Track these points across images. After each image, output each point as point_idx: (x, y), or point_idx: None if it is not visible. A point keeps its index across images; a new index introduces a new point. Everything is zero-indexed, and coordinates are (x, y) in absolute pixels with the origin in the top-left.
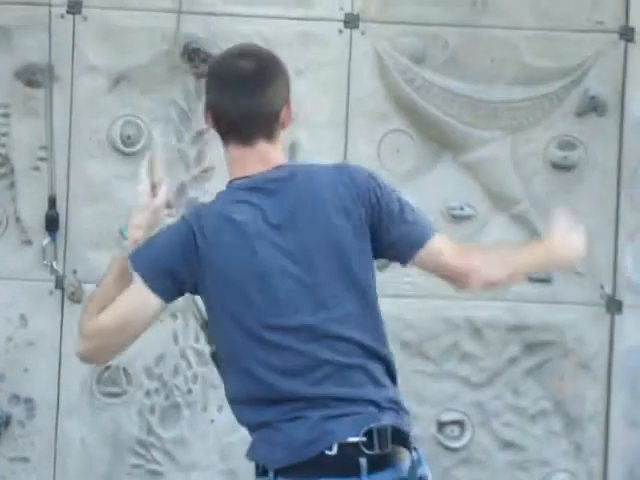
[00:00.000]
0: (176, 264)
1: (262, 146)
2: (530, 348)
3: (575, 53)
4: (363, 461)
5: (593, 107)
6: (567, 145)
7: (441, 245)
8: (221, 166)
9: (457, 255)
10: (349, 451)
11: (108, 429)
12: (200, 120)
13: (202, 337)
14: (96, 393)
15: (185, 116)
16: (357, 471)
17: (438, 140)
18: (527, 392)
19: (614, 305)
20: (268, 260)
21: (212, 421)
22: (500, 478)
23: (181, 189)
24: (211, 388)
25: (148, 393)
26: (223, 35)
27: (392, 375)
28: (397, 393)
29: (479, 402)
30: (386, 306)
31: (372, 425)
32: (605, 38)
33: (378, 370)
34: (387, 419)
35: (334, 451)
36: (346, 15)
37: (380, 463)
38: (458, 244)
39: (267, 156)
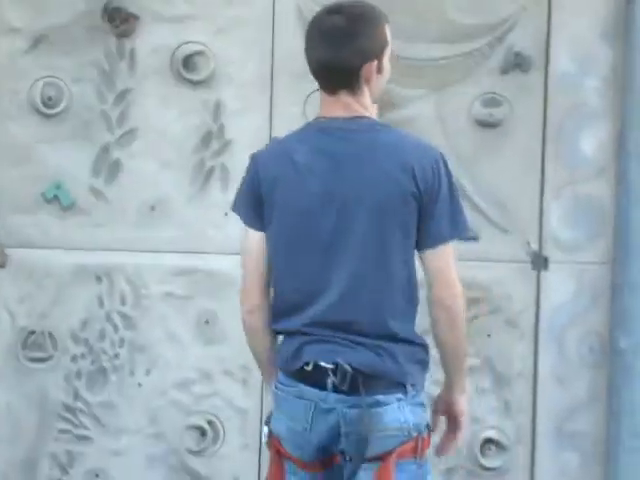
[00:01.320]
0: (254, 202)
1: (344, 96)
2: None
3: (499, 9)
4: (330, 381)
5: (517, 63)
6: (492, 102)
7: (447, 259)
8: (145, 126)
9: (440, 286)
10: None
11: (34, 394)
12: (123, 80)
13: (128, 300)
14: (21, 358)
15: (107, 77)
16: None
17: None
18: None
19: (540, 261)
20: (310, 199)
21: (139, 385)
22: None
23: (105, 150)
24: (138, 352)
25: (74, 358)
26: None
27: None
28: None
29: None
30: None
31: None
32: None
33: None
34: (355, 357)
35: (310, 367)
36: None
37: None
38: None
39: (350, 106)
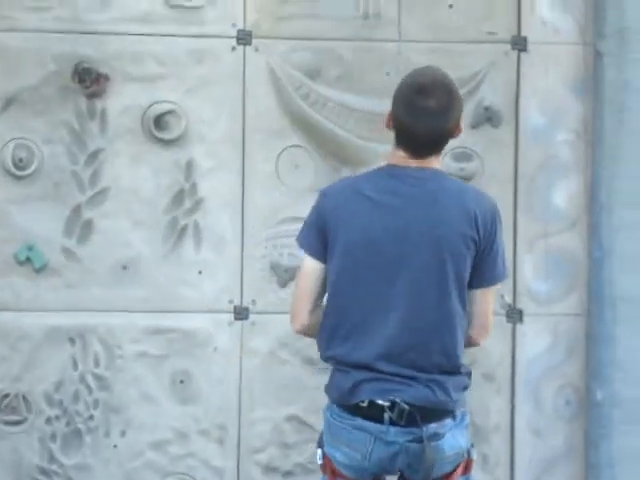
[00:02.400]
0: (318, 234)
1: (431, 159)
2: None
3: (468, 64)
4: (387, 415)
5: (487, 118)
6: (463, 156)
7: (491, 299)
8: (117, 186)
9: (481, 327)
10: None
11: (9, 458)
12: (94, 140)
13: (102, 361)
14: None
15: (78, 137)
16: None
17: (336, 155)
18: None
19: (515, 314)
20: (376, 232)
21: (115, 446)
22: None
23: (77, 210)
24: (112, 413)
25: (49, 420)
26: (114, 55)
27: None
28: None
29: None
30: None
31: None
32: (498, 48)
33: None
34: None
35: (365, 404)
36: (239, 32)
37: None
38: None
39: (425, 162)
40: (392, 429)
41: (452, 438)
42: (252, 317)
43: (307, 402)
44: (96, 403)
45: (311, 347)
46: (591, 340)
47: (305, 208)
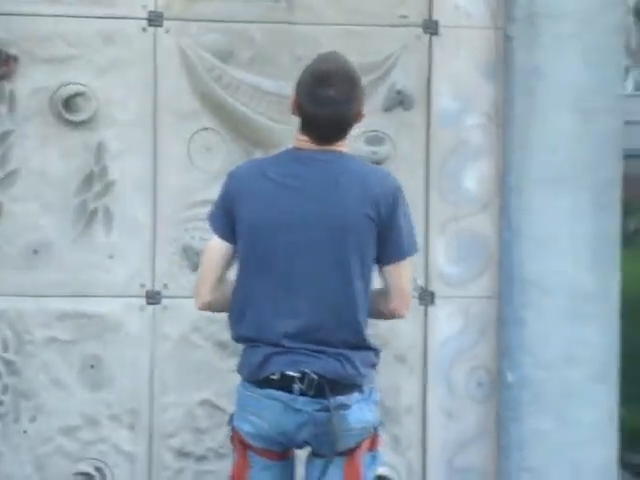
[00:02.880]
0: (225, 215)
1: (335, 143)
2: None
3: (380, 48)
4: (297, 387)
5: (400, 101)
6: (375, 140)
7: (405, 273)
8: (26, 169)
9: (400, 299)
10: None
11: None
12: (3, 122)
13: (11, 346)
14: None
15: None
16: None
17: (248, 138)
18: None
19: (427, 297)
20: (279, 215)
21: (25, 432)
22: None
23: None
24: (22, 398)
25: None
26: (23, 36)
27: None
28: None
29: None
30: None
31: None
32: (409, 32)
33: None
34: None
35: (276, 376)
36: (149, 13)
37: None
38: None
39: (330, 145)
40: (301, 398)
41: (359, 411)
42: (164, 301)
43: (219, 386)
44: (5, 388)
45: (223, 331)
46: (501, 322)
47: (217, 191)
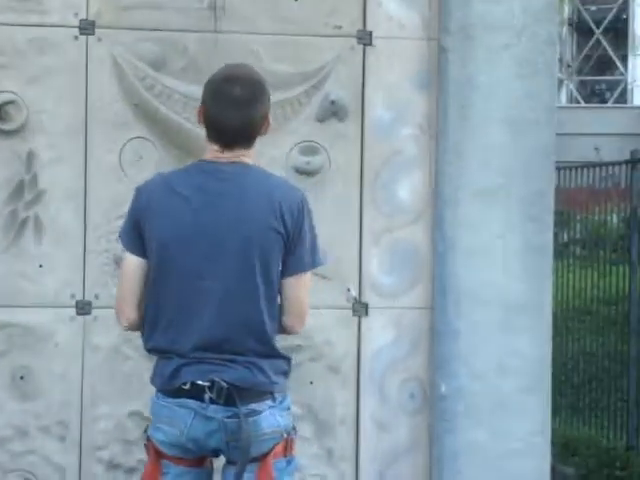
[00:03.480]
0: (135, 230)
1: (238, 150)
2: None
3: (314, 58)
4: (207, 396)
5: (334, 112)
6: (309, 150)
7: (304, 286)
8: None
9: (296, 315)
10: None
11: None
12: None
13: None
14: None
15: None
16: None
17: (180, 147)
18: None
19: (360, 308)
20: (185, 229)
21: None
22: None
23: None
24: None
25: None
26: None
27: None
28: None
29: None
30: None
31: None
32: (343, 42)
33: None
34: (230, 374)
35: (187, 386)
36: (81, 21)
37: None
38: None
39: (237, 155)
40: (212, 406)
41: (270, 416)
42: (94, 312)
43: (149, 398)
44: None
45: None
46: (435, 334)
47: None
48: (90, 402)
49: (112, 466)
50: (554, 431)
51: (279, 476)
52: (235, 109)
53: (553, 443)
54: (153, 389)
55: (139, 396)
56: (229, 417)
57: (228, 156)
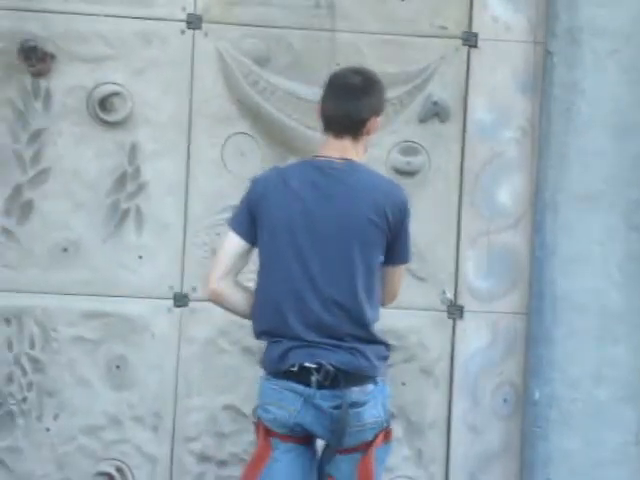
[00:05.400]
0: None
1: (347, 141)
2: None
3: (418, 58)
4: (314, 378)
5: (435, 113)
6: (410, 151)
7: (400, 276)
8: (59, 167)
9: (391, 294)
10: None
11: None
12: (38, 120)
13: (37, 343)
14: None
15: (21, 116)
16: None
17: (283, 143)
18: None
19: (456, 310)
20: (295, 218)
21: (47, 430)
22: None
23: (17, 190)
24: (46, 396)
25: None
26: (61, 34)
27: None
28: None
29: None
30: (226, 314)
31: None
32: (448, 43)
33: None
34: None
35: (296, 368)
36: (188, 15)
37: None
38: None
39: (346, 150)
40: (318, 393)
41: (373, 408)
42: (192, 304)
43: (244, 392)
44: (30, 385)
45: (251, 337)
46: (530, 339)
47: None
48: (184, 394)
49: (204, 458)
50: None
51: (378, 465)
52: (348, 97)
53: None
54: (248, 382)
55: (233, 390)
56: (335, 408)
57: (339, 152)
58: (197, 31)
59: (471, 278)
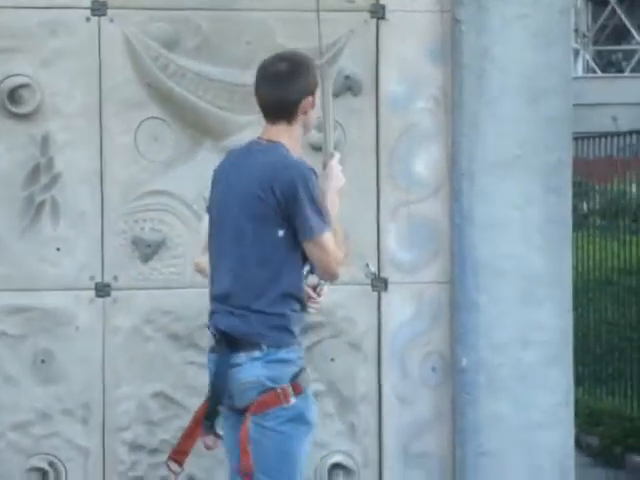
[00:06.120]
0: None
1: (281, 126)
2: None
3: (328, 33)
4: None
5: (348, 87)
6: None
7: (320, 247)
8: None
9: (322, 270)
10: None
11: None
12: None
13: None
14: None
15: None
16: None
17: (196, 126)
18: None
19: (380, 283)
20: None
21: None
22: None
23: None
24: None
25: None
26: None
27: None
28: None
29: None
30: (154, 299)
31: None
32: (357, 17)
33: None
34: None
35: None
36: (93, 2)
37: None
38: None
39: (279, 133)
40: (211, 355)
41: (251, 367)
42: (114, 294)
43: (173, 378)
44: None
45: (176, 323)
46: (455, 307)
47: (166, 181)
48: (112, 384)
49: (135, 447)
50: (577, 402)
51: (293, 428)
52: (273, 84)
53: (576, 414)
54: (175, 369)
55: (161, 377)
56: (219, 367)
57: (271, 135)
58: (102, 18)
59: (393, 250)
